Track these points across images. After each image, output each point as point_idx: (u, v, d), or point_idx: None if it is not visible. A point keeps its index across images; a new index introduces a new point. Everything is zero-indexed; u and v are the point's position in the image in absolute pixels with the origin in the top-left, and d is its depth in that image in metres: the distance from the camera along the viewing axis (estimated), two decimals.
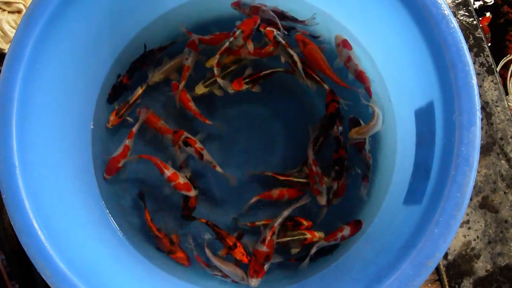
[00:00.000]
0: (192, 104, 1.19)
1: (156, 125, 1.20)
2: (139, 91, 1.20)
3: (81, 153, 1.11)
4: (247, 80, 1.17)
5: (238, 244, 1.08)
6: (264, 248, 1.05)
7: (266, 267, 1.06)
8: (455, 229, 0.78)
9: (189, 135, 1.15)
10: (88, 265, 0.88)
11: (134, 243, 1.12)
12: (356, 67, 1.11)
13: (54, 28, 0.91)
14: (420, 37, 0.90)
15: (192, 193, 1.12)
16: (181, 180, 1.11)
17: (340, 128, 1.12)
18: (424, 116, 0.96)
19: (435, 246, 0.77)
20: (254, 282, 1.05)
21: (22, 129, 0.87)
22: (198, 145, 1.13)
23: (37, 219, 0.83)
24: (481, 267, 1.24)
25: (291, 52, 1.11)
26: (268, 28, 1.10)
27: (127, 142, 1.14)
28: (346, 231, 1.09)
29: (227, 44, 1.11)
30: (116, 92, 1.19)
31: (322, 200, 1.12)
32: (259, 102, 1.26)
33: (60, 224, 0.89)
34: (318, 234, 1.12)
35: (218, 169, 1.13)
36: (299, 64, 1.11)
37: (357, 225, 1.10)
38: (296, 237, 1.11)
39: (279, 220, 1.10)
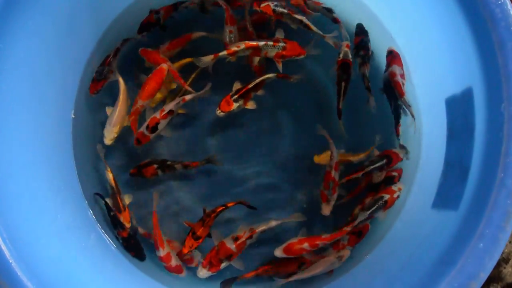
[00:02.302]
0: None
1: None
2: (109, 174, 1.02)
3: (60, 147, 0.98)
4: (236, 96, 1.01)
5: (201, 238, 0.98)
6: (232, 246, 0.96)
7: (223, 265, 0.97)
8: (504, 244, 0.65)
9: (146, 126, 0.99)
10: (64, 282, 0.77)
11: (123, 250, 0.99)
12: None
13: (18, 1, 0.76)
14: (458, 11, 0.77)
15: (183, 274, 1.01)
16: (173, 262, 0.98)
17: None
18: (458, 106, 0.83)
19: (480, 264, 0.64)
20: (203, 272, 0.98)
21: None
22: (166, 107, 1.00)
23: (0, 229, 0.70)
24: (510, 272, 1.13)
25: (299, 17, 1.03)
26: (262, 5, 1.02)
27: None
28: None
29: (261, 44, 0.99)
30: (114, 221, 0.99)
31: (326, 210, 1.00)
32: (267, 90, 1.10)
33: (31, 234, 0.77)
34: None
35: (203, 92, 1.04)
36: (312, 26, 1.03)
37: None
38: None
39: (263, 228, 0.99)
